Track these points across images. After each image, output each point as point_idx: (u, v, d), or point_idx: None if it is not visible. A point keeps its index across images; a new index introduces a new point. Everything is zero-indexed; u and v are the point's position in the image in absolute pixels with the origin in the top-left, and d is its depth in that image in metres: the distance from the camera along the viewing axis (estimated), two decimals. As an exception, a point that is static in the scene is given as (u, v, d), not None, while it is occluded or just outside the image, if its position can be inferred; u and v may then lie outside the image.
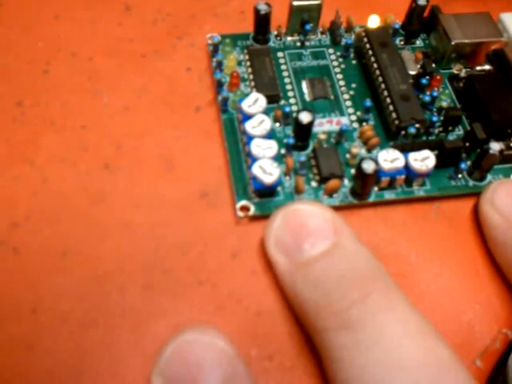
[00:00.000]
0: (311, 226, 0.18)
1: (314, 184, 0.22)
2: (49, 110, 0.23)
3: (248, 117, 0.22)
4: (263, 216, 0.21)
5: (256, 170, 0.20)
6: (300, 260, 0.18)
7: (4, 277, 0.20)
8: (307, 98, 0.24)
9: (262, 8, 0.24)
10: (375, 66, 0.24)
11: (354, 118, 0.24)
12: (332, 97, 0.24)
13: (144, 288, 0.20)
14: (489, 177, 0.23)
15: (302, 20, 0.25)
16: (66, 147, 0.23)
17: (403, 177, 0.21)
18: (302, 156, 0.21)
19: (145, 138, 0.23)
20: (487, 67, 0.26)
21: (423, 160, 0.21)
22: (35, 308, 0.19)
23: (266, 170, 0.20)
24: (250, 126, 0.21)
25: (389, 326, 0.16)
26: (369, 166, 0.20)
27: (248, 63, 0.24)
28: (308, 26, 0.25)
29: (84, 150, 0.23)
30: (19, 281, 0.20)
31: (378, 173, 0.21)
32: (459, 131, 0.24)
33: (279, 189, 0.21)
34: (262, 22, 0.25)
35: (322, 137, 0.22)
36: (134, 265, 0.20)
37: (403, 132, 0.23)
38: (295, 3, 0.25)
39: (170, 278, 0.20)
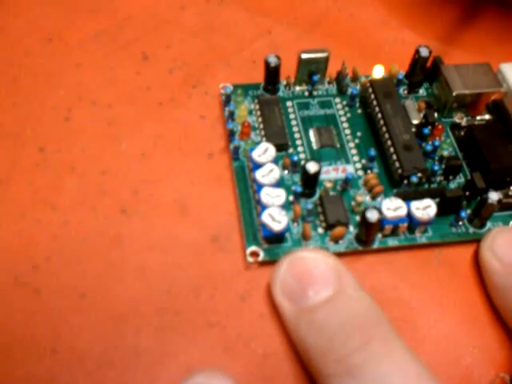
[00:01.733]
0: (315, 273, 0.19)
1: (320, 231, 0.23)
2: (70, 156, 0.25)
3: (258, 165, 0.23)
4: (272, 261, 0.22)
5: (265, 217, 0.21)
6: (304, 306, 0.19)
7: (25, 317, 0.21)
8: (314, 146, 0.25)
9: (272, 61, 0.25)
10: (379, 115, 0.25)
11: (358, 165, 0.25)
12: (338, 145, 0.25)
13: (157, 329, 0.21)
14: (488, 224, 0.24)
15: (310, 71, 0.26)
16: (85, 192, 0.24)
17: (406, 224, 0.22)
18: (309, 204, 0.22)
19: (160, 183, 0.24)
20: (487, 117, 0.27)
21: (425, 209, 0.22)
22: (54, 347, 0.20)
23: (275, 218, 0.21)
24: (260, 175, 0.23)
25: (388, 373, 0.17)
26: (372, 215, 0.21)
27: (258, 112, 0.25)
28: (315, 77, 0.26)
29: (103, 195, 0.24)
30: (40, 320, 0.21)
31: (382, 221, 0.22)
32: (460, 179, 0.25)
33: (287, 235, 0.22)
34: (272, 73, 0.26)
35: (329, 185, 0.23)
36: (148, 306, 0.21)
37: (406, 181, 0.24)
38: (304, 56, 0.26)
39: (181, 319, 0.21)
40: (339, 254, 0.22)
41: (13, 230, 0.22)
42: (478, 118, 0.27)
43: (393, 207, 0.22)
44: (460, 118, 0.27)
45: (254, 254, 0.22)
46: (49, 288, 0.21)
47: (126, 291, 0.21)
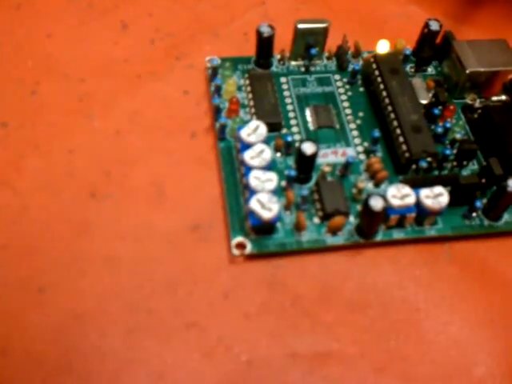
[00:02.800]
0: None
1: (316, 220, 0.20)
2: (34, 132, 0.22)
3: (247, 146, 0.20)
4: (260, 254, 0.19)
5: (254, 204, 0.19)
6: None
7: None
8: (311, 126, 0.23)
9: (265, 30, 0.23)
10: (384, 93, 0.23)
11: (360, 149, 0.22)
12: (337, 126, 0.23)
13: (126, 330, 0.18)
14: (505, 216, 0.21)
15: (307, 44, 0.24)
16: (50, 173, 0.21)
17: (413, 215, 0.20)
18: (304, 190, 0.20)
19: (135, 164, 0.22)
20: (503, 97, 0.24)
21: (436, 197, 0.20)
22: (5, 348, 0.18)
23: (265, 205, 0.19)
24: (248, 156, 0.20)
25: None
26: (377, 203, 0.19)
27: (249, 88, 0.23)
28: (313, 51, 0.24)
29: (70, 177, 0.21)
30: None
31: (387, 210, 0.19)
32: (473, 166, 0.22)
33: (278, 225, 0.20)
34: (265, 45, 0.23)
35: (327, 169, 0.21)
36: (117, 304, 0.19)
37: (414, 166, 0.21)
38: (300, 26, 0.23)
39: (155, 319, 0.19)
40: (338, 248, 0.20)
41: (-35, 213, 0.20)
42: (494, 98, 0.24)
43: (399, 195, 0.20)
44: (472, 100, 0.24)
45: (240, 246, 0.19)
46: (3, 280, 0.19)
47: (92, 285, 0.19)
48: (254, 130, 0.21)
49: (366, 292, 0.20)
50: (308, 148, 0.20)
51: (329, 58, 0.25)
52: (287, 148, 0.22)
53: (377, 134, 0.22)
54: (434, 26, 0.24)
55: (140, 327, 0.18)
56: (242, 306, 0.19)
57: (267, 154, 0.20)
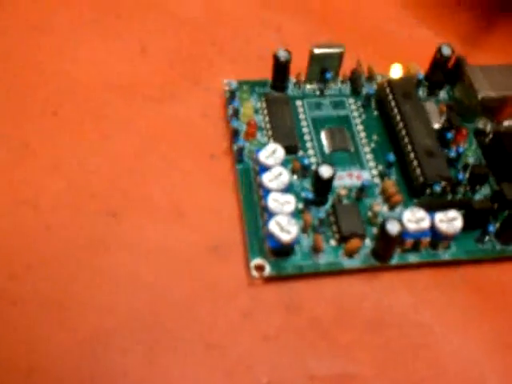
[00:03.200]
0: None
1: (333, 243, 0.21)
2: (55, 153, 0.23)
3: (265, 168, 0.21)
4: (278, 276, 0.20)
5: (273, 226, 0.19)
6: None
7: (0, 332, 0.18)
8: (326, 149, 0.23)
9: (282, 55, 0.23)
10: (398, 117, 0.23)
11: (375, 172, 0.23)
12: (352, 149, 0.23)
13: (147, 349, 0.19)
14: (518, 240, 0.21)
15: (322, 68, 0.24)
16: (71, 193, 0.22)
17: (428, 239, 0.20)
18: (321, 212, 0.20)
19: (155, 185, 0.22)
20: (515, 122, 0.25)
21: (450, 221, 0.20)
22: (31, 367, 0.18)
23: (284, 228, 0.19)
24: (267, 179, 0.20)
25: None
26: (393, 228, 0.19)
27: (265, 111, 0.23)
28: (328, 75, 0.24)
29: (91, 197, 0.22)
30: (16, 337, 0.18)
31: (402, 234, 0.19)
32: (485, 190, 0.23)
33: (296, 247, 0.20)
34: (282, 69, 0.24)
35: (343, 192, 0.21)
36: (138, 322, 0.19)
37: (428, 190, 0.21)
38: (316, 51, 0.24)
39: (175, 338, 0.19)
40: (354, 270, 0.20)
41: (-11, 233, 0.20)
42: (506, 123, 0.25)
43: (414, 219, 0.20)
44: (484, 124, 0.25)
45: (259, 268, 0.20)
46: (27, 299, 0.19)
47: (113, 304, 0.19)
48: (272, 153, 0.21)
49: (381, 314, 0.20)
50: (325, 171, 0.20)
51: (343, 82, 0.25)
52: (304, 170, 0.22)
53: (391, 157, 0.22)
54: (446, 50, 0.25)
55: (160, 346, 0.19)
56: (261, 327, 0.19)
57: (285, 176, 0.20)
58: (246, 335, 0.19)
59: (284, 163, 0.21)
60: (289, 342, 0.19)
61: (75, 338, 0.18)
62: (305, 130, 0.24)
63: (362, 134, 0.24)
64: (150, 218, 0.21)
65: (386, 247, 0.20)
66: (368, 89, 0.24)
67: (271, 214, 0.20)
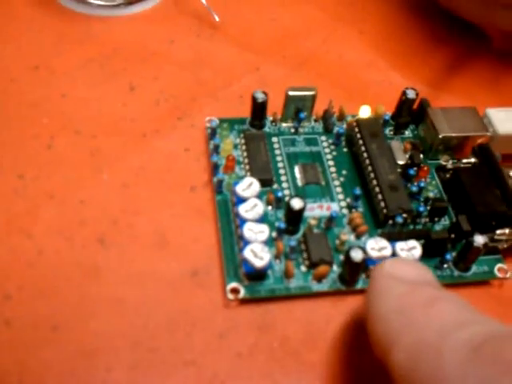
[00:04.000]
0: None
1: (303, 269, 0.22)
2: (49, 184, 0.24)
3: (241, 200, 0.23)
4: (252, 299, 0.21)
5: (247, 253, 0.21)
6: None
7: (-7, 349, 0.20)
8: (299, 182, 0.25)
9: (259, 96, 0.25)
10: (365, 155, 0.25)
11: (343, 204, 0.24)
12: (323, 183, 0.25)
13: (130, 366, 0.20)
14: (474, 268, 0.23)
15: (297, 108, 0.26)
16: (63, 221, 0.23)
17: (390, 265, 0.22)
18: (293, 241, 0.22)
19: (140, 215, 0.24)
20: (473, 160, 0.27)
21: (410, 250, 0.22)
22: (21, 382, 0.19)
23: (257, 254, 0.21)
24: (243, 210, 0.22)
25: None
26: (357, 255, 0.21)
27: (244, 147, 0.25)
28: (302, 114, 0.26)
29: (81, 225, 0.23)
30: (8, 354, 0.20)
31: (366, 261, 0.21)
32: (445, 221, 0.25)
33: (269, 272, 0.22)
34: (259, 108, 0.26)
35: (313, 222, 0.23)
36: (122, 341, 0.20)
37: (391, 221, 0.23)
38: (291, 93, 0.26)
39: (156, 357, 0.20)
40: (322, 294, 0.22)
41: (-15, 257, 0.22)
42: (464, 160, 0.27)
43: (377, 247, 0.22)
44: (446, 161, 0.27)
45: (235, 291, 0.21)
46: (20, 319, 0.20)
47: (100, 325, 0.21)
48: (248, 186, 0.23)
49: (346, 334, 0.22)
50: (296, 203, 0.22)
51: (316, 121, 0.27)
52: (278, 202, 0.24)
53: (358, 191, 0.24)
54: (411, 94, 0.27)
55: (142, 364, 0.20)
56: (235, 345, 0.21)
57: (260, 208, 0.22)
58: (222, 353, 0.20)
59: (260, 195, 0.23)
60: (260, 359, 0.20)
61: (63, 356, 0.20)
62: (280, 164, 0.25)
63: (333, 169, 0.26)
64: (135, 245, 0.23)
65: (352, 273, 0.22)
66: (339, 128, 0.26)
67: (246, 242, 0.21)
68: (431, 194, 0.25)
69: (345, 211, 0.24)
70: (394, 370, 0.17)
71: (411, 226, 0.24)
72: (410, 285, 0.18)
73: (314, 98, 0.26)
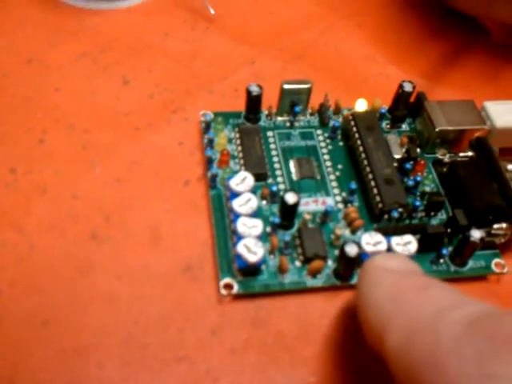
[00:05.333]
0: None
1: (297, 264, 0.22)
2: (41, 178, 0.24)
3: (235, 195, 0.22)
4: (246, 294, 0.21)
5: (241, 248, 0.21)
6: None
7: (-17, 345, 0.20)
8: (294, 177, 0.25)
9: (254, 90, 0.25)
10: (361, 149, 0.25)
11: (339, 198, 0.24)
12: (318, 177, 0.25)
13: (122, 363, 0.20)
14: (470, 262, 0.23)
15: (292, 102, 0.26)
16: (55, 215, 0.23)
17: (385, 260, 0.22)
18: (287, 235, 0.22)
19: (133, 209, 0.24)
20: (470, 153, 0.26)
21: (405, 245, 0.22)
22: (12, 378, 0.19)
23: (251, 249, 0.21)
24: (237, 204, 0.22)
25: None
26: (351, 250, 0.20)
27: (238, 141, 0.25)
28: (297, 108, 0.26)
29: (73, 220, 0.23)
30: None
31: (361, 256, 0.21)
32: (442, 215, 0.24)
33: (263, 267, 0.22)
34: (254, 102, 0.26)
35: (308, 217, 0.23)
36: (114, 338, 0.20)
37: (386, 215, 0.23)
38: (286, 86, 0.26)
39: (148, 353, 0.20)
40: (316, 289, 0.22)
41: (-24, 252, 0.22)
42: (461, 154, 0.26)
43: (372, 242, 0.22)
44: (443, 154, 0.26)
45: (228, 287, 0.21)
46: (10, 315, 0.20)
47: (91, 320, 0.21)
48: (242, 181, 0.23)
49: (341, 329, 0.21)
50: (290, 198, 0.22)
51: (312, 115, 0.27)
52: (272, 196, 0.23)
53: (353, 185, 0.24)
54: (408, 87, 0.27)
55: (135, 360, 0.20)
56: (228, 341, 0.20)
57: (254, 202, 0.22)
58: (215, 349, 0.20)
59: (254, 189, 0.23)
60: (254, 354, 0.20)
61: (54, 352, 0.20)
62: (275, 158, 0.25)
63: (328, 163, 0.25)
64: (128, 240, 0.23)
65: (346, 268, 0.21)
66: (335, 121, 0.26)
67: (240, 237, 0.21)
68: (428, 189, 0.25)
69: (340, 206, 0.24)
70: (388, 354, 0.17)
71: (407, 221, 0.24)
72: (400, 274, 0.18)
73: (309, 91, 0.26)
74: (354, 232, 0.23)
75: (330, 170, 0.25)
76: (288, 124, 0.27)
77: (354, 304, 0.19)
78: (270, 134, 0.26)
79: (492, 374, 0.14)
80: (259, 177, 0.24)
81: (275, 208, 0.23)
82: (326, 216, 0.23)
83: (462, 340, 0.15)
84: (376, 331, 0.17)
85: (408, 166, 0.25)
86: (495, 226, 0.23)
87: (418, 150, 0.26)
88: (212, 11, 0.31)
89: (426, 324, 0.16)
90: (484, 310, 0.16)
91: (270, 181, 0.24)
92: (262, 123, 0.26)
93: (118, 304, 0.21)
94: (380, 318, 0.17)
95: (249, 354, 0.20)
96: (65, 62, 0.28)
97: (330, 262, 0.22)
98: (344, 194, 0.24)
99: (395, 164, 0.25)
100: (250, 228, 0.21)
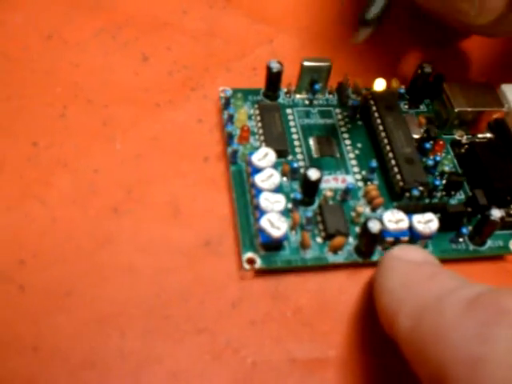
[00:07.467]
0: None
1: (319, 240, 0.22)
2: (63, 152, 0.24)
3: (257, 170, 0.22)
4: (268, 269, 0.21)
5: (264, 223, 0.21)
6: None
7: (8, 313, 0.20)
8: (314, 154, 0.25)
9: (275, 66, 0.25)
10: (381, 128, 0.25)
11: (358, 177, 0.24)
12: (338, 155, 0.25)
13: (144, 332, 0.20)
14: (489, 242, 0.23)
15: (312, 80, 0.26)
16: (76, 189, 0.23)
17: (407, 238, 0.22)
18: (309, 212, 0.22)
19: (154, 184, 0.24)
20: (488, 135, 0.27)
21: (427, 223, 0.22)
22: (36, 345, 0.19)
23: (274, 224, 0.21)
24: (259, 180, 0.22)
25: None
26: (374, 226, 0.21)
27: (258, 118, 0.25)
28: (317, 86, 0.26)
29: (94, 194, 0.23)
30: (23, 318, 0.20)
31: (383, 233, 0.21)
32: (460, 195, 0.24)
33: (285, 243, 0.22)
34: (274, 79, 0.26)
35: (329, 194, 0.23)
36: (136, 309, 0.20)
37: (407, 194, 0.23)
38: (306, 63, 0.25)
39: (169, 324, 0.20)
40: (338, 265, 0.22)
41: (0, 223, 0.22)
42: (480, 135, 0.26)
43: (394, 219, 0.22)
44: (460, 136, 0.26)
45: (251, 261, 0.21)
46: (34, 285, 0.20)
47: (113, 292, 0.21)
48: (264, 156, 0.23)
49: (360, 306, 0.21)
50: (313, 174, 0.22)
51: (330, 93, 0.27)
52: (293, 173, 0.24)
53: (374, 164, 0.24)
54: (427, 68, 0.26)
55: (156, 330, 0.20)
56: (248, 314, 0.21)
57: (276, 178, 0.22)
58: (235, 321, 0.20)
59: (274, 166, 0.23)
60: (273, 327, 0.20)
61: (76, 321, 0.20)
62: (294, 136, 0.25)
63: (347, 142, 0.25)
64: (149, 214, 0.23)
65: (368, 244, 0.21)
66: (353, 101, 0.26)
67: (263, 212, 0.21)
68: (447, 169, 0.25)
69: (360, 184, 0.24)
70: (399, 336, 0.18)
71: (427, 200, 0.24)
72: (415, 263, 0.20)
73: (329, 69, 0.26)
74: (374, 210, 0.23)
75: (349, 148, 0.25)
76: (307, 102, 0.27)
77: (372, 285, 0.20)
78: (288, 111, 0.26)
79: (491, 337, 0.15)
80: (280, 153, 0.24)
81: (295, 184, 0.23)
82: (347, 193, 0.23)
83: (464, 314, 0.16)
84: (389, 315, 0.19)
85: (427, 145, 0.25)
86: (514, 206, 0.23)
87: (436, 130, 0.26)
88: (230, -10, 0.31)
89: (432, 305, 0.17)
90: (483, 289, 0.17)
91: (290, 158, 0.24)
92: (280, 100, 0.26)
93: (139, 276, 0.21)
94: (392, 303, 0.19)
95: (268, 326, 0.20)
96: (84, 37, 0.28)
97: (351, 239, 0.22)
98: (364, 173, 0.24)
99: (415, 143, 0.25)
100: (272, 203, 0.21)
